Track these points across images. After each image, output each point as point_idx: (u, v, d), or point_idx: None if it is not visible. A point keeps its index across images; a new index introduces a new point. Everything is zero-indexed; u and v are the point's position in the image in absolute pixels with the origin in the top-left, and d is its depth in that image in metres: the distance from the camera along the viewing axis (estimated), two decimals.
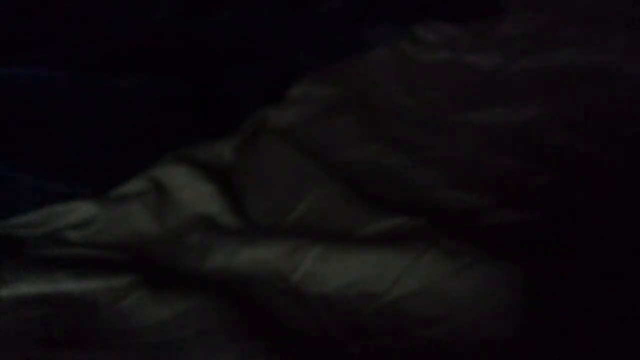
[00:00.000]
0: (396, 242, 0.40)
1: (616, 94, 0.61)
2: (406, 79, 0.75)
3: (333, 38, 0.84)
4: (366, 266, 0.38)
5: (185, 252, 0.44)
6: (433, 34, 0.87)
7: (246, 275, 0.41)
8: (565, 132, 0.55)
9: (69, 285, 0.38)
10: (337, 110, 0.65)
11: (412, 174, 0.51)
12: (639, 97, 0.59)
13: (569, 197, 0.44)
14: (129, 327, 0.36)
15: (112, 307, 0.37)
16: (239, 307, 0.36)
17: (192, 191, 0.51)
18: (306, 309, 0.37)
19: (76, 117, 0.54)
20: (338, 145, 0.58)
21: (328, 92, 0.70)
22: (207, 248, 0.44)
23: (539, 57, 0.72)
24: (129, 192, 0.51)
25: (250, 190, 0.53)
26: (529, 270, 0.35)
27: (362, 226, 0.44)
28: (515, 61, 0.73)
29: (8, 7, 0.62)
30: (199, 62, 0.72)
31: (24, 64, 0.55)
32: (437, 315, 0.34)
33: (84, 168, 0.52)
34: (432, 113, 0.64)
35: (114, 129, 0.55)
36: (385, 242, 0.40)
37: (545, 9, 0.91)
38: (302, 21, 0.84)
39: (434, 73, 0.76)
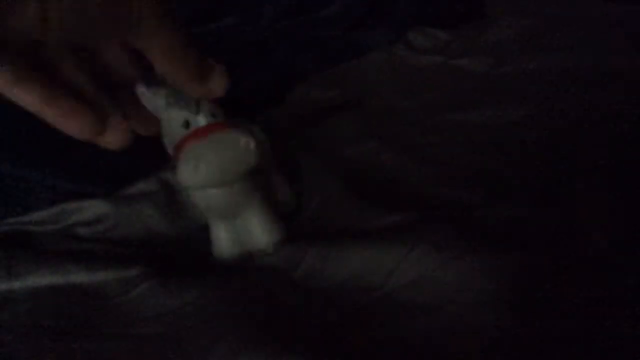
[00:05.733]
0: (391, 238, 0.39)
1: (600, 95, 0.61)
2: (401, 81, 0.75)
3: (331, 43, 0.84)
4: (363, 261, 0.38)
5: (193, 248, 0.44)
6: (426, 40, 0.87)
7: (249, 270, 0.40)
8: (553, 131, 0.55)
9: (79, 276, 0.38)
10: (336, 111, 0.65)
11: (407, 172, 0.51)
12: (622, 97, 0.59)
13: (555, 194, 0.44)
14: (137, 317, 0.36)
15: (122, 297, 0.37)
16: (242, 299, 0.36)
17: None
18: (307, 302, 0.37)
19: None
20: (337, 144, 0.58)
21: (327, 95, 0.71)
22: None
23: (527, 61, 0.72)
24: (139, 192, 0.50)
25: None
26: (514, 263, 0.35)
27: (360, 223, 0.43)
28: (504, 64, 0.73)
29: None
30: None
31: None
32: (426, 305, 0.34)
33: (95, 168, 0.51)
34: (426, 113, 0.64)
35: None
36: (381, 237, 0.40)
37: (531, 16, 0.91)
38: (302, 27, 0.84)
39: (427, 76, 0.76)
